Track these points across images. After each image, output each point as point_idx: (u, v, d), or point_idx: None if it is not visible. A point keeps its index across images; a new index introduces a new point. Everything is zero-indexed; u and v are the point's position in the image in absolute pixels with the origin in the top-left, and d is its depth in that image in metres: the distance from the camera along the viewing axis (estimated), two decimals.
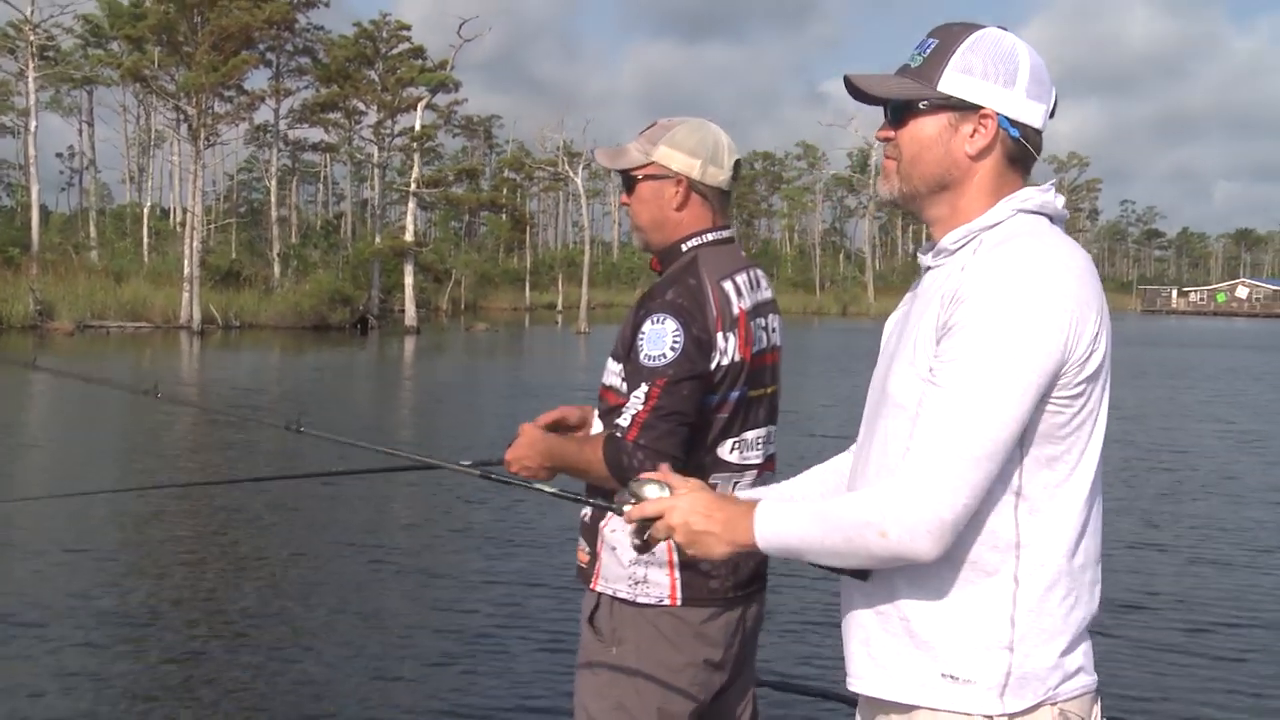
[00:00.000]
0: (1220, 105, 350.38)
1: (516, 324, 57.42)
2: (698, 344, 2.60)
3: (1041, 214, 1.97)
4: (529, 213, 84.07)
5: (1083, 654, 1.94)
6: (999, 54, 1.95)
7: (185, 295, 42.41)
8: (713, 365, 2.63)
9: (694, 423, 2.61)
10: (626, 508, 2.06)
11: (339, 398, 21.63)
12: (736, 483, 2.74)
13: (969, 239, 1.95)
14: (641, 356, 2.61)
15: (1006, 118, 1.95)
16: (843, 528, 1.83)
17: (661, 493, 2.04)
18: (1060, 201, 2.00)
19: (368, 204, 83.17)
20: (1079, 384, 1.84)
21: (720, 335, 2.64)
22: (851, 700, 2.12)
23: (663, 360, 2.57)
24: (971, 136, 1.96)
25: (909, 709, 1.94)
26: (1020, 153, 1.97)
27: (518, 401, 20.18)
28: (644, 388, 2.58)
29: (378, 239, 55.86)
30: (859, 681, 2.02)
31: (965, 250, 1.94)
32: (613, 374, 2.76)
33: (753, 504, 1.97)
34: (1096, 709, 1.97)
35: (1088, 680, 1.94)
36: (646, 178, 2.82)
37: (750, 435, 2.77)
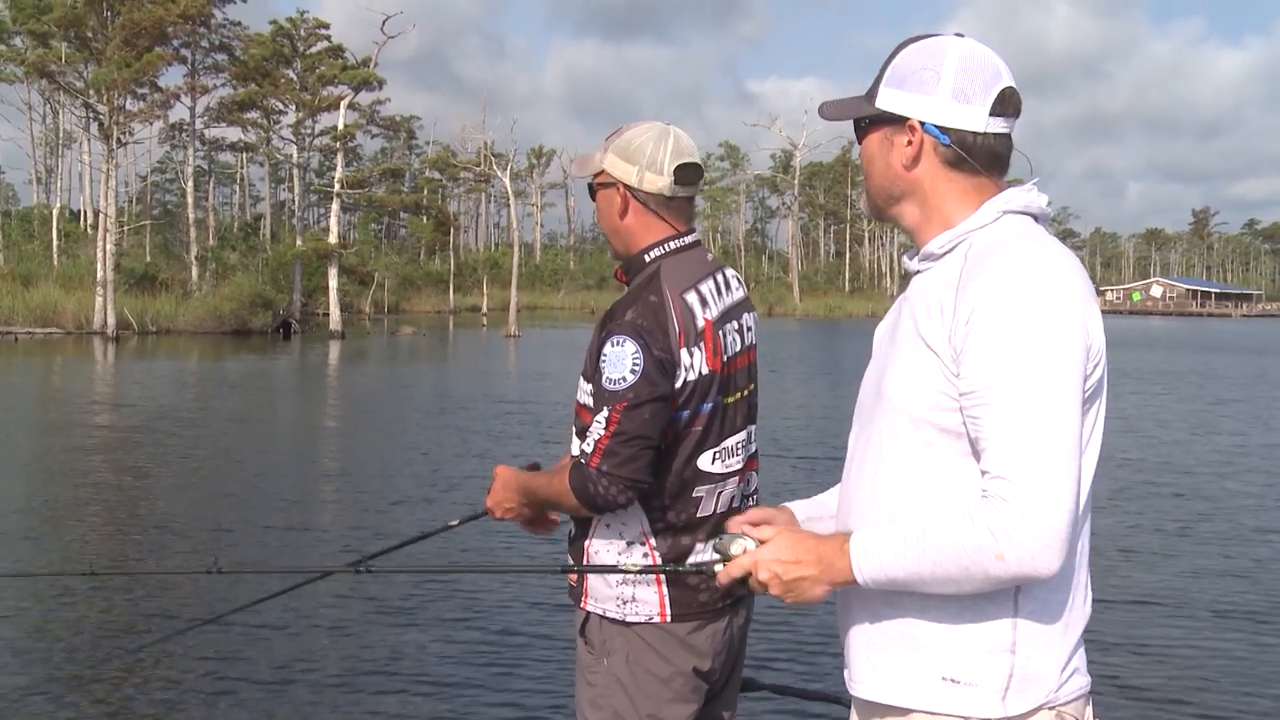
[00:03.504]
0: (1135, 107, 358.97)
1: (441, 327, 56.55)
2: (659, 365, 2.55)
3: (1027, 214, 1.98)
4: (452, 214, 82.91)
5: (1079, 656, 1.95)
6: (923, 62, 1.97)
7: (99, 300, 41.06)
8: (678, 384, 2.59)
9: (659, 444, 2.58)
10: (718, 568, 2.05)
11: (268, 416, 20.63)
12: (721, 491, 2.71)
13: (957, 242, 1.95)
14: (603, 380, 2.57)
15: (934, 125, 1.96)
16: (956, 556, 1.78)
17: (747, 546, 2.01)
18: (1044, 200, 2.00)
19: (285, 205, 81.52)
20: (1089, 387, 1.85)
21: (684, 352, 2.59)
22: (848, 702, 2.11)
23: (623, 384, 2.53)
24: (906, 147, 1.99)
25: (906, 712, 1.94)
26: (955, 157, 1.96)
27: (460, 416, 19.33)
28: (605, 412, 2.55)
29: (299, 241, 54.64)
30: (858, 686, 2.03)
31: (955, 254, 1.94)
32: (585, 393, 2.70)
33: (844, 539, 1.91)
34: (1088, 710, 1.97)
35: (1083, 682, 1.95)
36: (600, 185, 2.80)
37: (730, 442, 2.73)
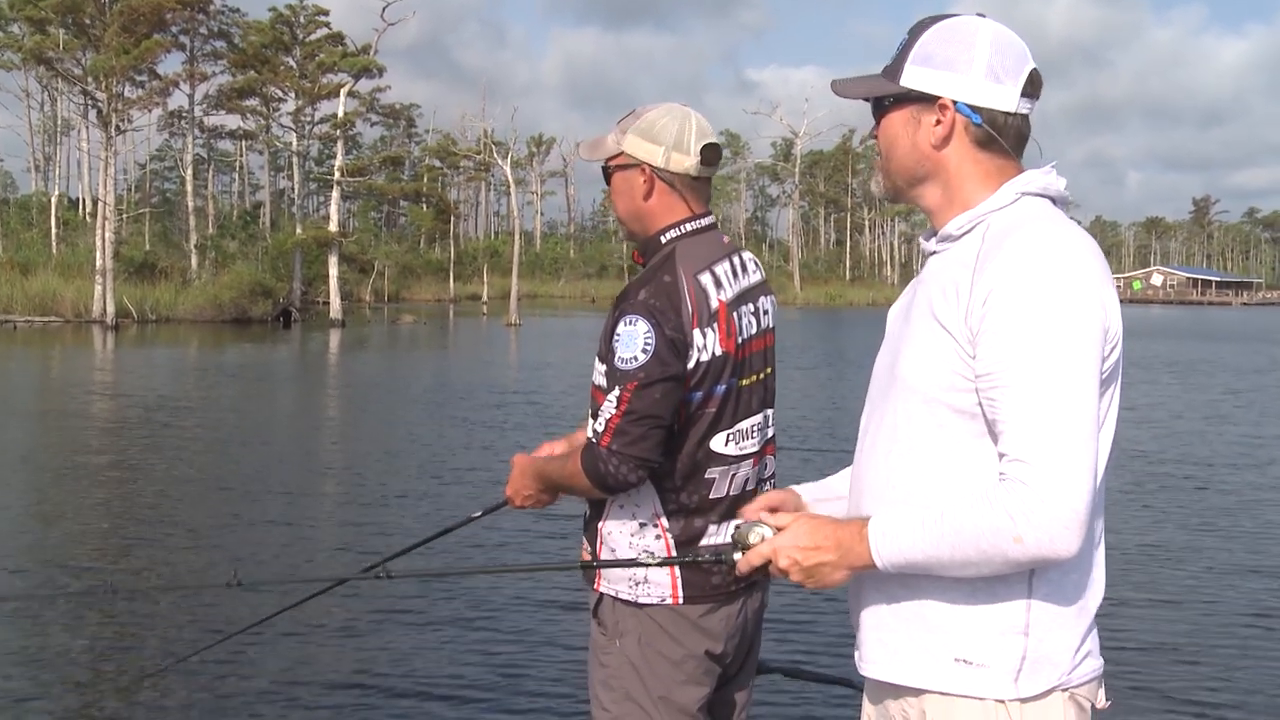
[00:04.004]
0: (1135, 95, 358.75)
1: (442, 315, 56.36)
2: (671, 345, 2.55)
3: (1044, 196, 1.96)
4: (452, 203, 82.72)
5: (1092, 638, 1.94)
6: (954, 41, 1.94)
7: (98, 288, 40.93)
8: (691, 364, 2.59)
9: (671, 424, 2.59)
10: (736, 556, 2.07)
11: (268, 406, 20.47)
12: (734, 474, 2.70)
13: (975, 224, 1.93)
14: (615, 359, 2.58)
15: (966, 104, 1.93)
16: (974, 539, 1.77)
17: (765, 534, 2.03)
18: (1062, 183, 1.97)
19: (285, 194, 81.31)
20: (1105, 369, 1.84)
21: (697, 332, 2.59)
22: (859, 685, 2.11)
23: (634, 363, 2.54)
24: (935, 126, 1.95)
25: (919, 693, 1.94)
26: (986, 137, 1.94)
27: (462, 407, 19.15)
28: (616, 391, 2.55)
29: (299, 229, 54.45)
30: (870, 666, 2.03)
31: (972, 235, 1.92)
32: (599, 374, 2.68)
33: (862, 524, 1.91)
34: (1101, 692, 1.96)
35: (1096, 664, 1.95)
36: (618, 168, 2.79)
37: (745, 424, 2.73)
